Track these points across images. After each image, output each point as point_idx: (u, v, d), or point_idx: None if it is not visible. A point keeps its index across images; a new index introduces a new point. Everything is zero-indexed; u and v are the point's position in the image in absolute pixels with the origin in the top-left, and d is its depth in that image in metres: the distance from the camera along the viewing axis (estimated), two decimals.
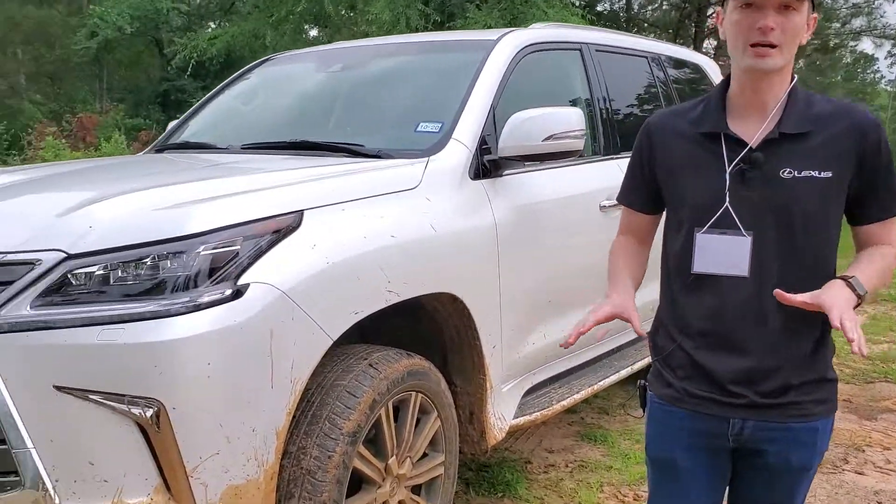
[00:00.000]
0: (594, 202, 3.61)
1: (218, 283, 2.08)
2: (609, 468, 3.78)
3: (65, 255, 2.08)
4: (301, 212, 2.31)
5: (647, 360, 4.09)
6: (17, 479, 2.01)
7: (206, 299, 2.05)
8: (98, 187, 2.52)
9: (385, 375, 2.50)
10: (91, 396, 1.99)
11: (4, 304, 2.04)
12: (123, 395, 1.98)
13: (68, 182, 2.85)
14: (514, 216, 3.05)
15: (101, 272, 2.07)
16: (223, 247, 2.12)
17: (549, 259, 3.29)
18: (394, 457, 2.58)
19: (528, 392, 3.39)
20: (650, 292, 4.17)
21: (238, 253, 2.14)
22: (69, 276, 2.07)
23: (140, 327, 1.99)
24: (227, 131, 3.81)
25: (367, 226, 2.46)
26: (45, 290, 2.06)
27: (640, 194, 2.00)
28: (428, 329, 3.01)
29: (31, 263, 2.08)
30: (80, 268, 2.08)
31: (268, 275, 2.15)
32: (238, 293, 2.09)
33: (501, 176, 3.09)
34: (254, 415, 2.12)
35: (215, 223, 2.13)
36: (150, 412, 1.99)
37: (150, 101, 25.37)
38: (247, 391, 2.10)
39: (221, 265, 2.11)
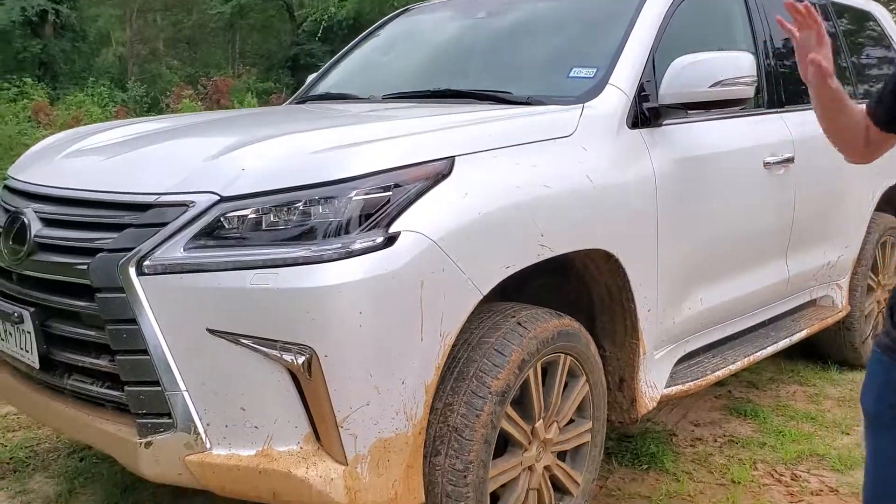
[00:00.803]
0: (758, 159, 3.32)
1: (369, 229, 1.99)
2: (762, 445, 3.52)
3: (218, 197, 2.04)
4: (452, 158, 2.18)
5: (806, 331, 3.80)
6: (170, 421, 2.00)
7: (357, 246, 1.96)
8: (248, 132, 2.47)
9: (534, 335, 2.36)
10: (243, 341, 1.94)
11: (158, 245, 2.02)
12: (276, 341, 1.93)
13: (217, 128, 2.84)
14: (673, 170, 2.82)
15: (254, 216, 2.02)
16: (375, 192, 2.02)
17: (708, 219, 3.04)
18: (541, 420, 2.45)
19: (680, 361, 3.18)
20: (822, 255, 3.88)
21: (390, 199, 2.03)
22: (222, 219, 2.03)
23: (292, 272, 1.93)
24: (368, 82, 3.73)
25: (519, 175, 2.31)
26: (199, 232, 2.02)
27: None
28: (575, 289, 2.85)
29: (184, 205, 2.05)
30: (233, 211, 2.03)
31: (419, 223, 2.04)
32: (389, 241, 1.99)
33: (661, 125, 2.86)
34: (403, 367, 2.03)
35: (368, 168, 2.04)
36: (301, 359, 1.92)
37: (281, 65, 26.02)
38: (397, 343, 2.01)
39: (373, 211, 2.01)
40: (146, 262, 2.01)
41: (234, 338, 1.95)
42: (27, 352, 2.27)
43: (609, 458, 3.35)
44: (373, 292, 1.96)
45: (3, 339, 2.38)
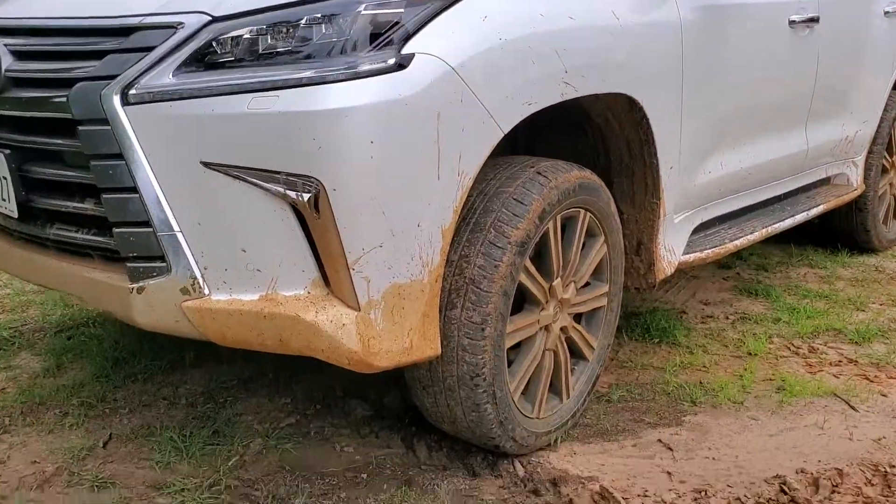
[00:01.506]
0: (783, 15, 3.10)
1: (380, 50, 1.78)
2: (776, 320, 3.42)
3: (209, 17, 1.82)
4: None
5: (823, 206, 3.66)
6: (164, 264, 1.83)
7: (366, 67, 1.76)
8: None
9: (555, 185, 2.18)
10: (241, 174, 1.76)
11: (145, 72, 1.81)
12: (278, 173, 1.74)
13: None
14: (699, 16, 2.60)
15: (249, 36, 1.80)
16: (385, 8, 1.81)
17: (732, 75, 2.84)
18: (559, 278, 2.30)
19: (697, 230, 3.03)
20: (841, 128, 3.71)
21: (402, 18, 1.82)
22: (214, 42, 1.81)
23: (295, 94, 1.73)
24: None
25: (542, 1, 2.09)
26: (189, 57, 1.81)
27: None
28: (591, 149, 2.67)
29: (171, 27, 1.83)
30: (226, 32, 1.81)
31: (434, 46, 1.84)
32: (402, 64, 1.79)
33: None
34: (419, 208, 1.85)
35: None
36: (307, 196, 1.74)
37: None
38: (412, 180, 1.83)
39: (383, 30, 1.80)
40: (132, 91, 1.80)
41: (231, 171, 1.76)
42: (4, 200, 2.07)
43: (619, 333, 3.23)
44: (384, 119, 1.76)
45: None
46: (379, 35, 1.79)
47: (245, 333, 1.84)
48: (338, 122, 1.72)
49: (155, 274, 1.84)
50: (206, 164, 1.77)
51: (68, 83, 1.88)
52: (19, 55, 2.04)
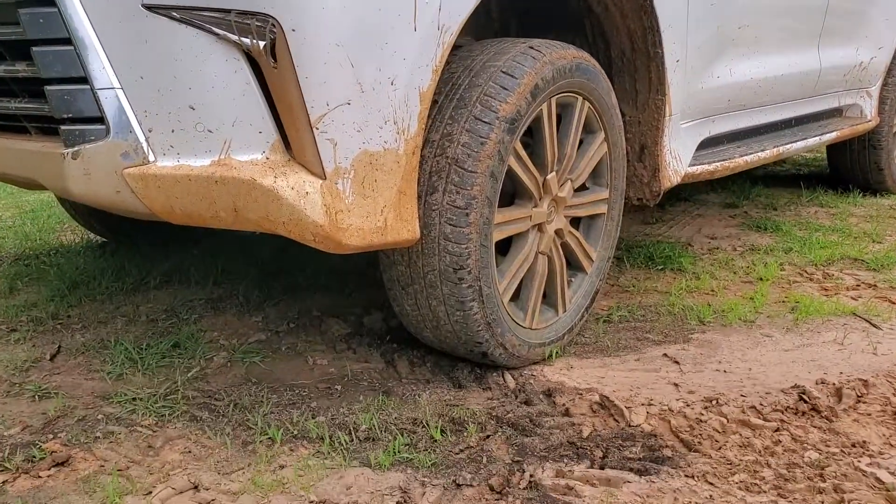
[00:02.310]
0: None
1: None
2: (787, 250, 3.20)
3: None
4: None
5: (835, 133, 3.44)
6: (102, 127, 1.60)
7: None
8: None
9: (549, 60, 1.96)
10: (187, 16, 1.53)
11: None
12: (228, 12, 1.51)
13: None
14: None
15: None
16: None
17: None
18: (553, 172, 2.08)
19: (705, 144, 2.81)
20: (855, 52, 3.48)
21: None
22: None
23: None
24: None
25: None
26: None
27: None
28: (591, 44, 2.45)
29: None
30: None
31: None
32: None
33: None
34: (393, 62, 1.62)
35: None
36: (263, 41, 1.51)
37: None
38: (384, 28, 1.60)
39: None
40: None
41: (175, 13, 1.53)
42: None
43: (621, 261, 3.02)
44: None
45: None
46: None
47: (195, 204, 1.61)
48: None
49: (92, 138, 1.61)
50: (147, 7, 1.54)
51: None
52: None
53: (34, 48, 1.61)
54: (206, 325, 2.34)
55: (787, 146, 3.11)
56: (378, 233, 1.69)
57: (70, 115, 1.61)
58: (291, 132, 1.58)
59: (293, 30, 1.51)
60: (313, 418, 1.83)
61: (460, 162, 1.80)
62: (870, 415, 1.88)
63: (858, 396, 1.97)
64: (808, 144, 3.26)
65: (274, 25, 1.50)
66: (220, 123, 1.58)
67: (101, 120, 1.60)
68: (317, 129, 1.57)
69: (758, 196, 4.15)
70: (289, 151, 1.61)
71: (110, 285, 2.61)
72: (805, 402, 1.93)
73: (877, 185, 4.16)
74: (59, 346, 2.16)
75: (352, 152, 1.61)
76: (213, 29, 1.52)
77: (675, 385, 2.02)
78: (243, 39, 1.52)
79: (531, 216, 2.05)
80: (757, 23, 2.79)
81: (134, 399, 1.90)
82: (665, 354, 2.21)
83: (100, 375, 2.02)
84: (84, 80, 1.59)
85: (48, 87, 1.61)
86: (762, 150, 2.95)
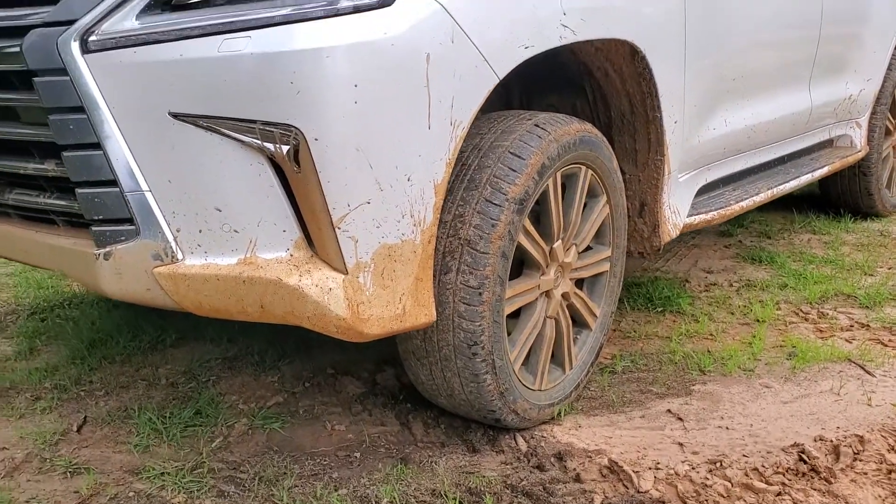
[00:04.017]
0: None
1: None
2: (783, 286, 3.29)
3: None
4: None
5: (826, 168, 3.53)
6: (132, 227, 1.68)
7: (347, 3, 1.60)
8: None
9: (555, 138, 2.04)
10: (213, 125, 1.60)
11: (105, 16, 1.65)
12: (253, 122, 1.58)
13: None
14: None
15: None
16: None
17: (736, 23, 2.70)
18: (559, 241, 2.16)
19: (701, 191, 2.89)
20: (845, 86, 3.57)
21: None
22: None
23: (269, 34, 1.57)
24: None
25: None
26: None
27: None
28: (591, 104, 2.53)
29: None
30: None
31: None
32: (386, 0, 1.63)
33: None
34: (409, 160, 1.70)
35: None
36: (286, 147, 1.59)
37: None
38: (400, 129, 1.68)
39: None
40: (91, 38, 1.64)
41: (202, 122, 1.60)
42: None
43: (621, 303, 3.10)
44: (369, 61, 1.61)
45: None
46: None
47: (223, 301, 1.69)
48: (317, 63, 1.56)
49: (123, 238, 1.68)
50: (175, 116, 1.62)
51: (21, 31, 1.71)
52: None
53: (64, 152, 1.68)
54: (225, 387, 2.41)
55: (781, 186, 3.20)
56: (397, 320, 1.77)
57: (100, 217, 1.68)
58: (314, 231, 1.66)
59: (315, 139, 1.58)
60: (336, 491, 1.91)
61: (473, 243, 1.88)
62: (866, 474, 1.97)
63: (855, 454, 2.06)
64: (801, 182, 3.35)
65: (297, 135, 1.58)
66: (246, 224, 1.66)
67: (130, 220, 1.68)
68: (339, 228, 1.64)
69: (752, 222, 4.24)
70: (311, 248, 1.68)
71: (128, 344, 2.67)
72: (805, 462, 2.02)
73: (867, 210, 4.26)
74: (85, 417, 2.23)
75: (372, 247, 1.69)
76: (240, 137, 1.60)
77: (680, 445, 2.11)
78: (267, 146, 1.60)
79: (539, 285, 2.13)
80: (750, 72, 2.88)
81: (162, 474, 1.97)
82: (669, 410, 2.30)
83: (127, 448, 2.09)
84: (113, 182, 1.66)
85: (79, 190, 1.68)
86: (757, 194, 3.04)
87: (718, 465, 2.01)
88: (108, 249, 1.68)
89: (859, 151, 3.86)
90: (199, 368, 2.52)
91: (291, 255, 1.68)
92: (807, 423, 2.23)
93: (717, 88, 2.68)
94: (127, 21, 1.64)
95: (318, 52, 1.55)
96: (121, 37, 1.63)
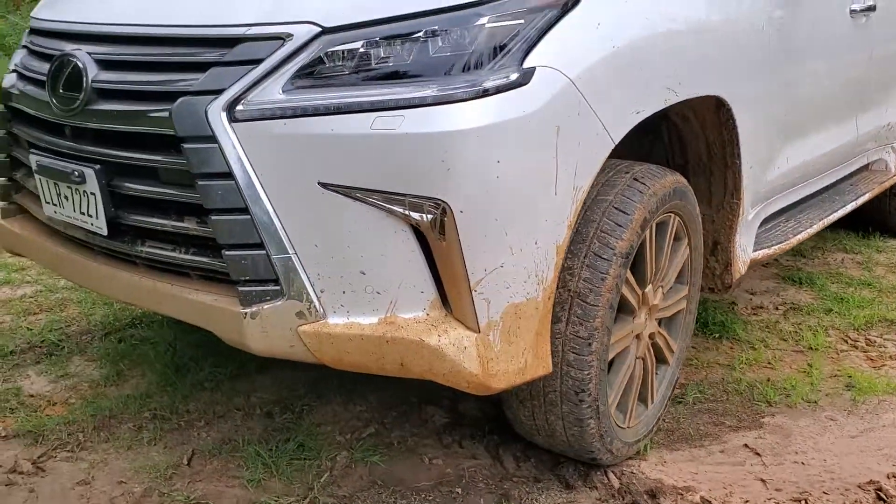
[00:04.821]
0: (845, 5, 3.06)
1: (503, 64, 1.71)
2: (827, 311, 3.42)
3: (319, 29, 1.73)
4: None
5: (868, 194, 3.66)
6: (277, 288, 1.76)
7: (491, 83, 1.69)
8: None
9: (653, 192, 2.14)
10: (363, 196, 1.69)
11: (252, 87, 1.73)
12: (403, 196, 1.67)
13: None
14: (780, 8, 2.55)
15: (363, 50, 1.72)
16: (506, 20, 1.74)
17: (802, 67, 2.80)
18: (650, 285, 2.27)
19: (760, 225, 3.00)
20: (884, 114, 3.69)
21: (521, 29, 1.75)
22: (325, 54, 1.73)
23: (421, 114, 1.65)
24: None
25: (646, 4, 2.02)
26: (299, 70, 1.73)
27: None
28: (667, 146, 2.62)
29: (279, 39, 1.74)
30: (338, 44, 1.73)
31: (553, 58, 1.77)
32: (524, 78, 1.72)
33: None
34: (537, 225, 1.80)
35: None
36: (431, 217, 1.68)
37: None
38: (531, 198, 1.78)
39: (504, 43, 1.73)
40: (238, 107, 1.72)
41: (352, 192, 1.69)
42: (90, 216, 1.98)
43: None
44: (510, 138, 1.70)
45: (55, 205, 2.09)
46: (501, 48, 1.72)
47: (364, 358, 1.78)
48: (467, 143, 1.65)
49: (268, 298, 1.77)
50: (324, 185, 1.70)
51: (168, 97, 1.79)
52: (106, 64, 1.94)
53: (212, 216, 1.76)
54: (318, 417, 2.51)
55: (831, 216, 3.32)
56: (519, 373, 1.87)
57: (247, 278, 1.77)
58: (452, 294, 1.75)
59: (461, 211, 1.68)
60: None
61: (582, 296, 1.98)
62: None
63: None
64: (847, 210, 3.48)
65: (445, 209, 1.67)
66: (388, 286, 1.75)
67: (276, 281, 1.76)
68: (475, 290, 1.74)
69: None
70: (445, 307, 1.78)
71: (213, 370, 2.76)
72: (883, 500, 2.15)
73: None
74: (193, 450, 2.32)
75: (501, 307, 1.79)
76: (389, 207, 1.68)
77: (763, 481, 2.24)
78: (414, 216, 1.69)
79: (632, 329, 2.24)
80: (811, 114, 2.98)
81: None
82: (746, 445, 2.42)
83: (239, 482, 2.19)
84: (260, 245, 1.75)
85: (226, 252, 1.77)
86: (811, 225, 3.15)
87: (803, 502, 2.14)
88: (254, 309, 1.77)
89: (893, 175, 3.98)
90: (289, 397, 2.61)
91: (428, 315, 1.77)
92: (877, 458, 2.36)
93: (785, 131, 2.79)
94: (273, 92, 1.72)
95: (469, 132, 1.65)
96: (269, 108, 1.71)
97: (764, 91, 2.51)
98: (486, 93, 1.68)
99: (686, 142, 2.57)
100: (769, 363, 2.95)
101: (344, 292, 1.76)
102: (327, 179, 1.70)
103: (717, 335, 3.16)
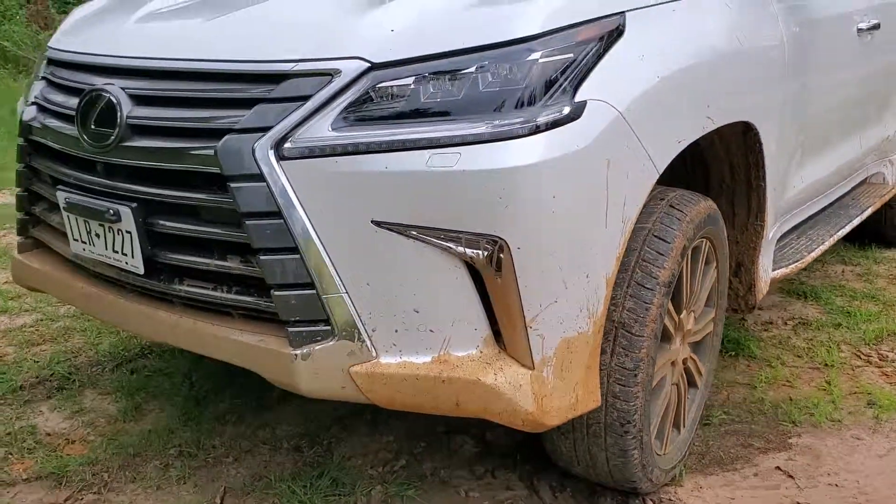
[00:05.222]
0: (852, 24, 3.10)
1: (556, 99, 1.70)
2: (836, 325, 3.45)
3: (368, 64, 1.70)
4: (623, 14, 1.88)
5: (871, 208, 3.70)
6: (328, 328, 1.73)
7: (545, 119, 1.67)
8: None
9: (690, 219, 2.13)
10: (418, 233, 1.66)
11: (299, 124, 1.70)
12: (460, 233, 1.65)
13: None
14: (796, 33, 2.57)
15: (413, 86, 1.70)
16: (558, 54, 1.72)
17: (816, 88, 2.82)
18: (685, 311, 2.26)
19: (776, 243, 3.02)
20: (884, 128, 3.74)
21: (571, 63, 1.74)
22: (374, 90, 1.70)
23: (477, 151, 1.63)
24: None
25: (683, 34, 2.03)
26: (347, 107, 1.70)
27: None
28: (689, 169, 2.63)
29: (327, 75, 1.71)
30: (387, 80, 1.70)
31: (602, 91, 1.76)
32: (576, 112, 1.71)
33: None
34: (588, 258, 1.79)
35: (550, 23, 1.72)
36: (487, 253, 1.66)
37: None
38: (583, 231, 1.76)
39: (556, 78, 1.71)
40: (286, 145, 1.69)
41: (406, 230, 1.66)
42: (125, 255, 1.93)
43: None
44: (565, 173, 1.69)
45: (84, 242, 2.03)
46: (553, 83, 1.71)
47: (418, 398, 1.75)
48: (525, 179, 1.63)
49: (319, 338, 1.73)
50: (377, 223, 1.67)
51: (211, 134, 1.76)
52: (140, 99, 1.89)
53: (261, 256, 1.72)
54: (347, 449, 2.47)
55: (839, 231, 3.35)
56: (571, 408, 1.85)
57: (296, 318, 1.73)
58: (507, 331, 1.73)
59: (518, 248, 1.66)
60: None
61: (627, 326, 1.97)
62: None
63: None
64: (854, 224, 3.51)
65: (502, 245, 1.65)
66: (441, 323, 1.72)
67: (326, 321, 1.73)
68: (531, 327, 1.72)
69: None
70: (498, 344, 1.76)
71: (234, 402, 2.71)
72: None
73: (892, 239, 4.45)
74: (224, 488, 2.27)
75: (555, 342, 1.77)
76: (445, 245, 1.66)
77: None
78: (469, 253, 1.66)
79: (670, 356, 2.23)
80: (823, 134, 3.01)
81: None
82: (778, 467, 2.42)
83: None
84: (311, 284, 1.71)
85: (275, 292, 1.73)
86: (822, 242, 3.18)
87: None
88: (306, 350, 1.73)
89: (892, 188, 4.04)
90: (315, 429, 2.57)
91: (481, 353, 1.75)
92: None
93: (801, 151, 2.81)
94: (322, 130, 1.69)
95: (527, 169, 1.63)
96: (318, 146, 1.68)
97: (784, 112, 2.53)
98: (541, 128, 1.66)
99: (710, 165, 2.57)
100: (788, 381, 2.97)
101: (396, 331, 1.73)
102: (381, 217, 1.67)
103: (732, 353, 3.17)
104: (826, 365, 3.09)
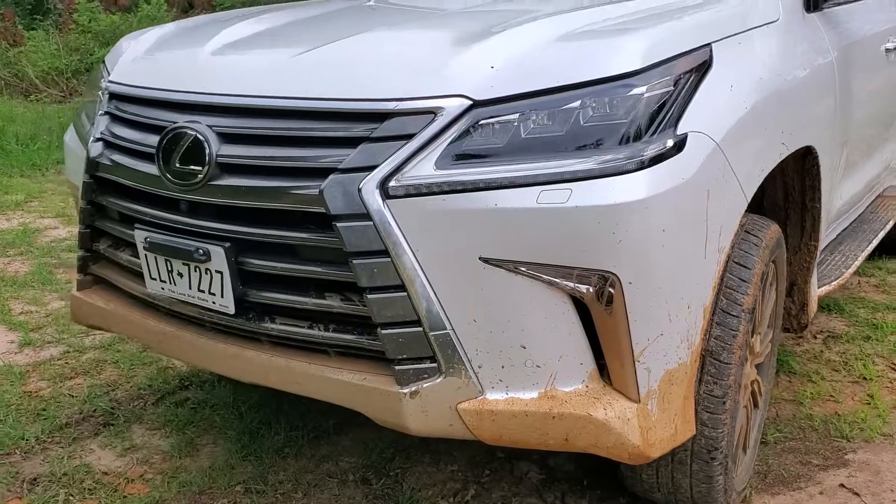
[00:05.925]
0: (880, 45, 3.16)
1: (659, 133, 1.71)
2: (866, 338, 3.50)
3: (470, 102, 1.70)
4: (710, 45, 1.90)
5: (893, 221, 3.77)
6: (434, 365, 1.72)
7: (652, 153, 1.68)
8: (469, 19, 2.08)
9: (766, 244, 2.15)
10: (528, 270, 1.65)
11: (404, 163, 1.68)
12: (572, 269, 1.65)
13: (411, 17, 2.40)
14: (840, 56, 2.62)
15: (517, 122, 1.70)
16: (660, 88, 1.73)
17: (857, 108, 2.88)
18: (756, 335, 2.29)
19: None
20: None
21: (672, 96, 1.75)
22: (476, 127, 1.69)
23: (588, 187, 1.63)
24: None
25: (759, 64, 2.06)
26: (451, 145, 1.69)
27: None
28: None
29: (430, 113, 1.70)
30: (489, 117, 1.70)
31: (700, 123, 1.78)
32: (680, 145, 1.72)
33: (821, 9, 2.63)
34: (689, 289, 1.80)
35: (651, 58, 1.74)
36: (596, 288, 1.66)
37: None
38: (686, 263, 1.77)
39: (658, 111, 1.72)
40: (391, 183, 1.68)
41: (516, 267, 1.66)
42: (213, 294, 1.89)
43: None
44: (673, 206, 1.70)
45: (164, 282, 1.99)
46: (656, 116, 1.71)
47: (526, 435, 1.74)
48: (637, 214, 1.64)
49: (426, 376, 1.72)
50: (485, 260, 1.66)
51: (311, 173, 1.73)
52: (230, 138, 1.86)
53: (368, 294, 1.70)
54: (415, 480, 2.45)
55: (869, 246, 3.40)
56: (671, 439, 1.86)
57: (404, 356, 1.71)
58: (614, 365, 1.73)
59: (630, 282, 1.66)
60: None
61: (715, 354, 1.98)
62: None
63: None
64: (880, 237, 3.58)
65: (613, 281, 1.65)
66: (548, 359, 1.72)
67: (432, 359, 1.71)
68: (638, 361, 1.73)
69: None
70: (603, 378, 1.76)
71: (289, 435, 2.67)
72: None
73: None
74: None
75: (658, 374, 1.78)
76: (556, 281, 1.66)
77: None
78: (580, 288, 1.66)
79: (745, 380, 2.25)
80: (861, 147, 3.07)
81: None
82: (842, 485, 2.45)
83: None
84: (417, 323, 1.69)
85: (382, 330, 1.71)
86: (856, 257, 3.23)
87: None
88: (414, 388, 1.71)
89: None
90: (378, 460, 2.54)
91: (587, 387, 1.75)
92: None
93: (844, 169, 2.86)
94: (427, 168, 1.68)
95: (639, 204, 1.63)
96: (424, 184, 1.67)
97: (834, 133, 2.57)
98: (647, 163, 1.67)
99: (765, 189, 2.60)
100: (832, 396, 3.01)
101: (503, 367, 1.72)
102: (489, 254, 1.66)
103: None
104: (864, 378, 3.14)
